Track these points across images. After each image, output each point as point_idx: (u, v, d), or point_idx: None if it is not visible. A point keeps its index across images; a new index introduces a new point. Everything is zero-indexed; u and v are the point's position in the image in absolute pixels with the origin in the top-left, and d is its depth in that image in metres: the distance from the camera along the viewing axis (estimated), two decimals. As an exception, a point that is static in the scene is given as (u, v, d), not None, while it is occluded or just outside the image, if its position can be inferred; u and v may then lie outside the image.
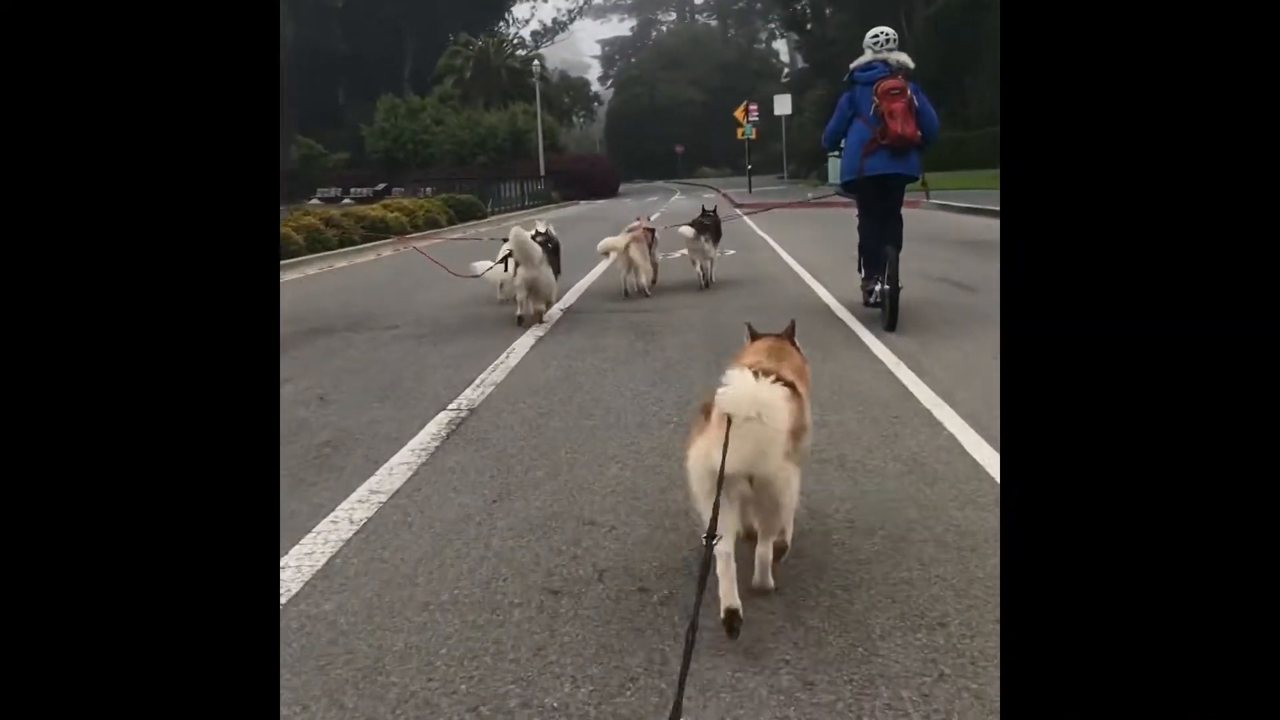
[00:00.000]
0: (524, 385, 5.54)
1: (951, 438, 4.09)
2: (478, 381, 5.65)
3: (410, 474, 3.93)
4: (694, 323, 7.50)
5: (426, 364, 6.34)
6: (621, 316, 8.01)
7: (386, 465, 4.05)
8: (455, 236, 19.38)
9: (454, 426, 4.66)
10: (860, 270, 7.68)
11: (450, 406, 5.06)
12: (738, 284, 9.79)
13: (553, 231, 8.20)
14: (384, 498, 3.63)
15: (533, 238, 7.45)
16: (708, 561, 2.16)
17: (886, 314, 6.76)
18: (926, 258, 10.68)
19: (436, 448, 4.30)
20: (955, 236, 13.38)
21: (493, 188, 32.09)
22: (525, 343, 6.92)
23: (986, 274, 9.26)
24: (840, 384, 5.13)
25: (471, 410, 4.97)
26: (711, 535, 2.21)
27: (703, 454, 2.42)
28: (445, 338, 7.37)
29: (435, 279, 10.18)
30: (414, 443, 4.39)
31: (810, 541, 3.02)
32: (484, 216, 26.20)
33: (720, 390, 2.31)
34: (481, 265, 8.44)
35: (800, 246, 13.25)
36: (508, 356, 6.42)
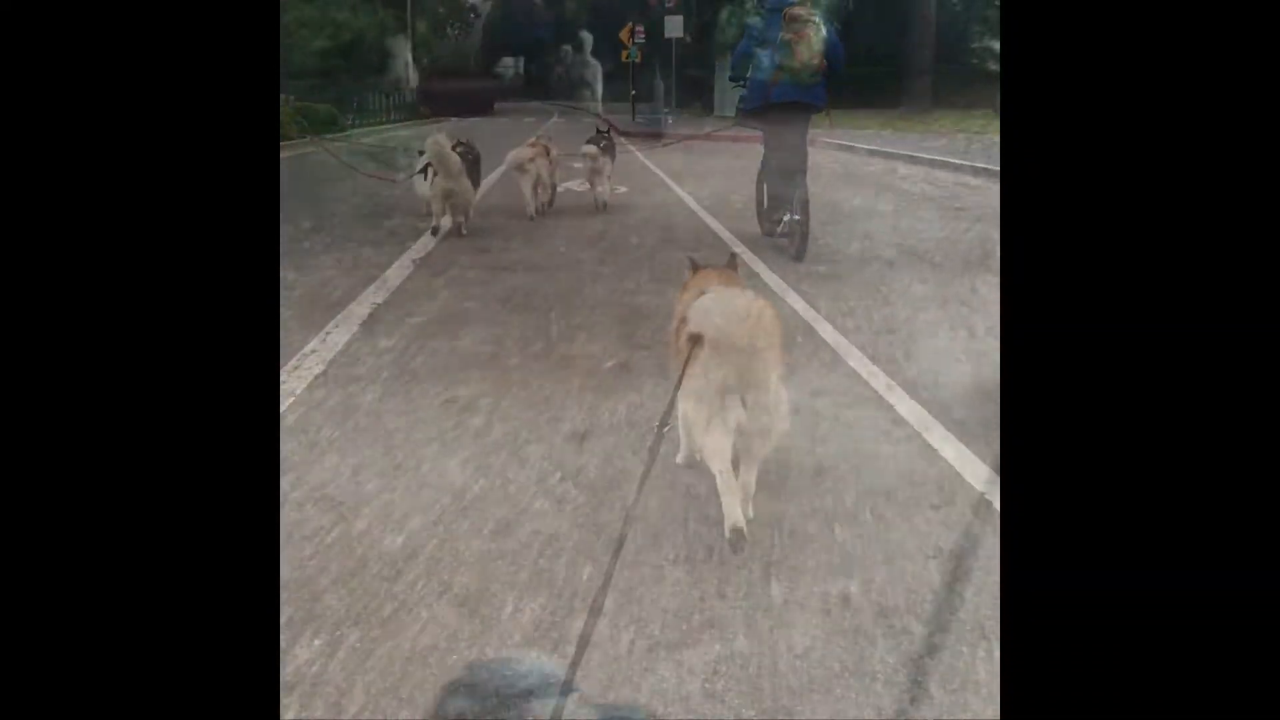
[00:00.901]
0: (326, 418, 3.51)
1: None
2: (264, 394, 3.66)
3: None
4: (597, 295, 5.60)
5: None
6: (493, 275, 6.05)
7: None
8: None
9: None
10: (763, 202, 7.34)
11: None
12: (638, 235, 7.90)
13: (473, 144, 8.12)
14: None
15: (453, 148, 7.33)
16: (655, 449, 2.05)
17: (795, 243, 6.58)
18: (861, 213, 9.06)
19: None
20: (882, 182, 11.75)
21: (355, 98, 29.17)
22: (358, 311, 4.93)
23: (938, 237, 7.68)
24: (832, 428, 3.32)
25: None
26: (664, 424, 2.17)
27: (701, 376, 2.24)
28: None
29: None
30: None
31: None
32: (342, 130, 23.54)
33: (702, 312, 2.22)
34: (417, 182, 8.02)
35: (702, 185, 11.39)
36: (325, 338, 4.44)
